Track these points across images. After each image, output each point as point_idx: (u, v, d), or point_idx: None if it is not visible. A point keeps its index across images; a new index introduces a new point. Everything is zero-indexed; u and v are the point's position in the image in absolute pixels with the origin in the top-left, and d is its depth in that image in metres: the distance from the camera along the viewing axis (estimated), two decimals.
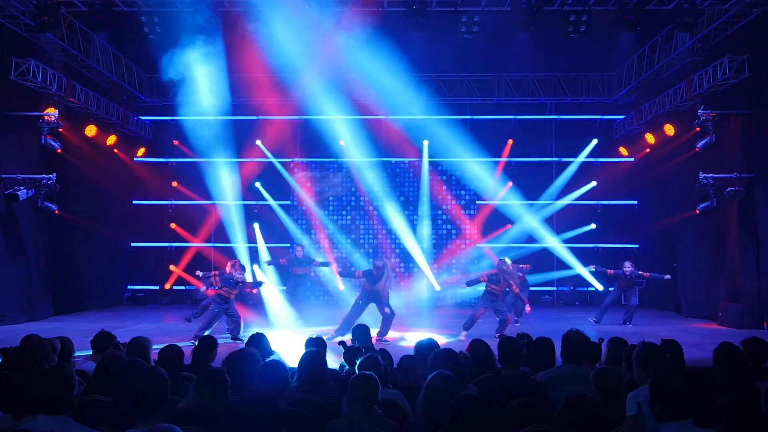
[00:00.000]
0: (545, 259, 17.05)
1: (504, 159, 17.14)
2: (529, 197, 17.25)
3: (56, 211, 13.15)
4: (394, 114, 16.30)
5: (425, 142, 16.92)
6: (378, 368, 4.39)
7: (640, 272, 12.84)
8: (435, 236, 17.32)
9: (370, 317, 10.98)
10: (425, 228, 17.10)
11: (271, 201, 17.27)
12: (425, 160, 17.10)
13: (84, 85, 14.23)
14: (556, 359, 4.89)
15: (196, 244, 17.27)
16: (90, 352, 5.73)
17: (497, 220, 17.27)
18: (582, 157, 17.24)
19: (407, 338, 10.63)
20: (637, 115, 16.12)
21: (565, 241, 17.02)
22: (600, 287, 16.66)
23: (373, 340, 7.17)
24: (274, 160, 17.20)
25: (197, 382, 3.74)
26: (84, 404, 3.95)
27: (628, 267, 12.80)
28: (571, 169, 17.35)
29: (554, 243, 16.88)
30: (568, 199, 17.17)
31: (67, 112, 13.82)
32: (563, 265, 17.04)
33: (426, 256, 16.73)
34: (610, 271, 13.01)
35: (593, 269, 13.92)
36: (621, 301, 13.39)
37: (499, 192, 17.13)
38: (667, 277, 12.91)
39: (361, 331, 6.10)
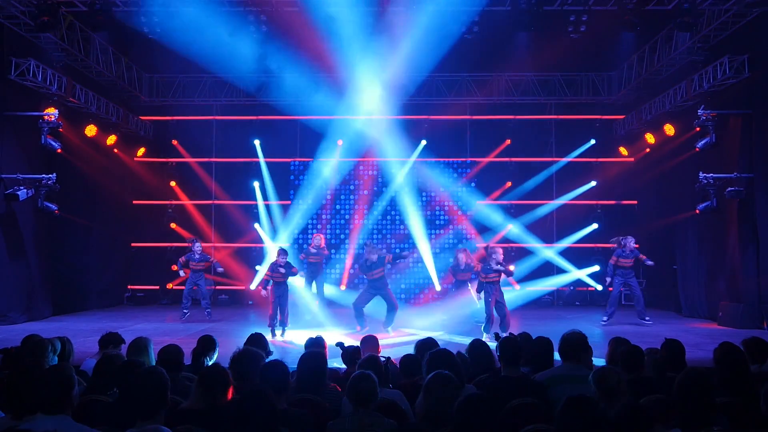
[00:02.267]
0: (546, 263, 17.06)
1: (497, 159, 17.16)
2: (529, 197, 17.28)
3: (56, 211, 13.15)
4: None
5: (423, 142, 16.95)
6: (378, 368, 4.40)
7: (638, 252, 12.73)
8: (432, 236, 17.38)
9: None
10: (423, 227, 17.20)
11: (260, 201, 17.28)
12: (412, 158, 17.13)
13: (84, 85, 14.23)
14: (555, 359, 4.89)
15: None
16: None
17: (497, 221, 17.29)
18: (574, 155, 17.24)
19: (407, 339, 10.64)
20: (637, 115, 16.12)
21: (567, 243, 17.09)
22: (599, 287, 16.68)
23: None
24: (262, 160, 17.22)
25: (201, 381, 3.72)
26: (84, 404, 3.95)
27: (631, 241, 12.60)
28: (554, 168, 17.35)
29: (552, 253, 16.93)
30: (565, 199, 17.18)
31: (67, 112, 13.81)
32: (563, 269, 17.08)
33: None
34: (613, 259, 12.77)
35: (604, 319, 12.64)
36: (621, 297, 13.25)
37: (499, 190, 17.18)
38: (650, 263, 12.75)
39: (371, 343, 5.98)
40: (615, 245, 12.90)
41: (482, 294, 11.08)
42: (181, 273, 13.63)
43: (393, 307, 11.22)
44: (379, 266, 11.27)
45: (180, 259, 13.74)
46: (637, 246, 12.81)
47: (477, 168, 17.42)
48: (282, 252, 11.68)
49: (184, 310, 13.35)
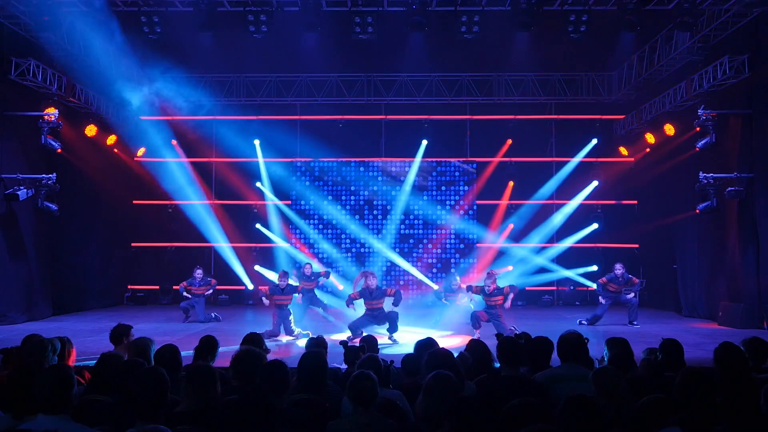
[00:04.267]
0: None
1: (500, 159, 17.20)
2: (529, 197, 17.29)
3: (56, 211, 13.16)
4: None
5: (424, 142, 16.97)
6: (378, 368, 4.40)
7: (631, 276, 12.90)
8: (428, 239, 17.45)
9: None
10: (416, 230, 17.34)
11: (275, 201, 17.33)
12: (417, 159, 17.18)
13: (84, 85, 14.23)
14: (553, 359, 4.89)
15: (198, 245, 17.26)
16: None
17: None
18: (579, 157, 17.25)
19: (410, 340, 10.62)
20: (637, 115, 16.12)
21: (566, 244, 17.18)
22: (595, 286, 16.74)
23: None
24: (262, 161, 17.24)
25: (189, 382, 3.69)
26: (84, 404, 3.95)
27: (618, 269, 12.82)
28: (566, 170, 17.38)
29: (543, 259, 17.07)
30: (574, 201, 17.21)
31: (67, 112, 13.82)
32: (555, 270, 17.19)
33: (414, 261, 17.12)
34: (602, 279, 12.99)
35: (583, 323, 12.77)
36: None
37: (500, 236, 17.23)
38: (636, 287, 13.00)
39: (370, 342, 5.99)
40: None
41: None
42: (185, 295, 13.61)
43: (393, 319, 10.71)
44: (379, 297, 10.90)
45: (182, 284, 13.72)
46: (632, 276, 12.97)
47: (485, 174, 17.41)
48: (283, 274, 11.40)
49: (213, 314, 13.47)
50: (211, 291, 13.97)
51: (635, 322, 12.49)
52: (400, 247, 17.28)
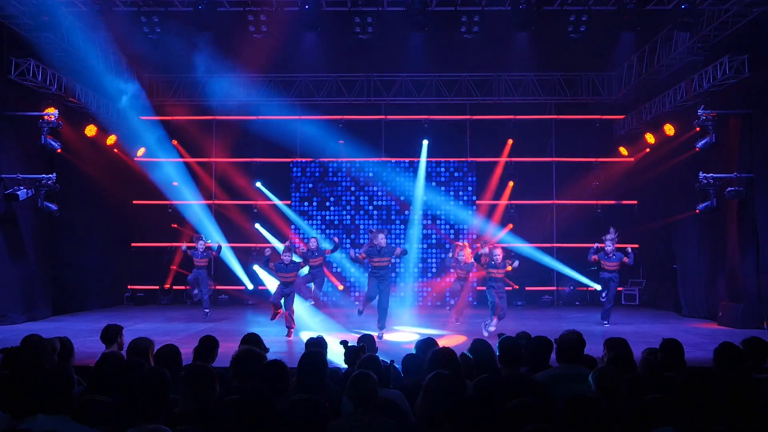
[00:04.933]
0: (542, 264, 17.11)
1: (504, 159, 17.21)
2: (530, 197, 17.29)
3: (56, 211, 13.16)
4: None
5: (425, 142, 16.97)
6: (378, 368, 4.39)
7: (622, 251, 12.69)
8: (429, 240, 17.45)
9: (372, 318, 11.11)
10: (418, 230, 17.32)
11: (275, 200, 17.34)
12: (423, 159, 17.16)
13: (84, 85, 14.23)
14: (553, 359, 4.89)
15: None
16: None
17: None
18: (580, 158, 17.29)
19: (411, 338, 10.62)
20: (637, 114, 16.12)
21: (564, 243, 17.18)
22: (598, 287, 16.72)
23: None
24: (267, 160, 17.25)
25: (184, 382, 3.68)
26: (84, 404, 3.95)
27: (611, 233, 12.55)
28: (566, 171, 17.46)
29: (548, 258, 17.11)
30: (569, 208, 17.23)
31: (67, 112, 13.82)
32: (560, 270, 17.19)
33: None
34: (594, 257, 12.75)
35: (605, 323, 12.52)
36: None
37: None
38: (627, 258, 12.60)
39: (368, 341, 6.02)
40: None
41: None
42: (183, 247, 13.68)
43: (384, 307, 10.87)
44: (387, 254, 11.01)
45: (184, 244, 13.74)
46: (616, 246, 12.64)
47: (494, 175, 17.40)
48: (287, 249, 11.52)
49: (206, 309, 13.43)
50: (212, 254, 13.82)
51: (606, 322, 12.35)
52: (401, 247, 17.25)
